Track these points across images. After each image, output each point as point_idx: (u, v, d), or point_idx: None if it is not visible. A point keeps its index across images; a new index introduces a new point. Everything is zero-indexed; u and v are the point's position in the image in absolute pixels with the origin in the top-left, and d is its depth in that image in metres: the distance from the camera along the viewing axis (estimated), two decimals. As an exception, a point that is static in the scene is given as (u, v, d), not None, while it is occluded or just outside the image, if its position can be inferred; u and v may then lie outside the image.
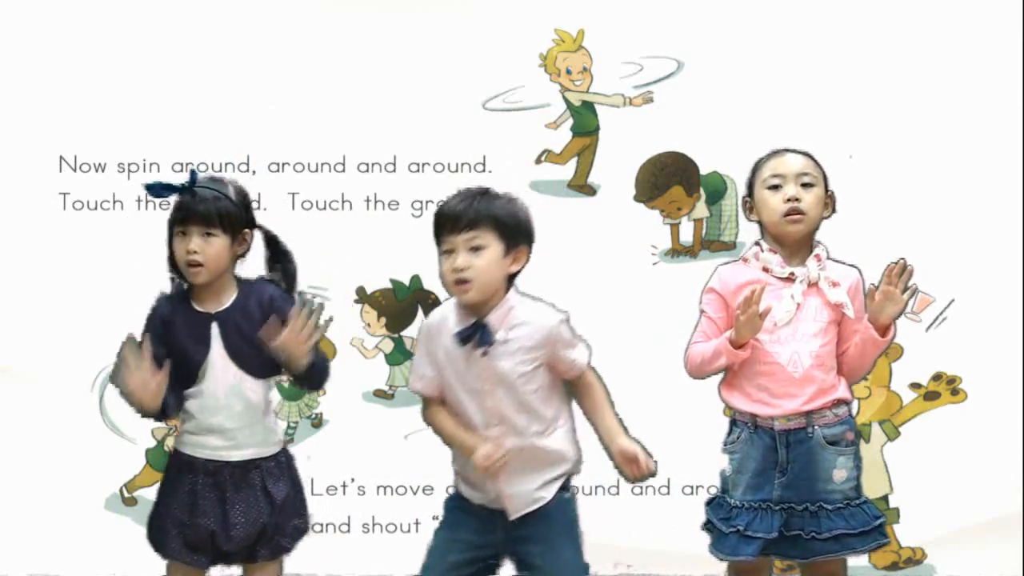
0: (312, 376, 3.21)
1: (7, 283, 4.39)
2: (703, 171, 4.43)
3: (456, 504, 3.18)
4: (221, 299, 3.21)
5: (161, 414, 3.19)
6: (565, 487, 3.12)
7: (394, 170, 4.45)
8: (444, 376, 3.09)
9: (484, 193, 3.07)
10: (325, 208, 4.44)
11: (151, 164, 4.40)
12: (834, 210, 3.36)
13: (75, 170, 4.41)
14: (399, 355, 4.45)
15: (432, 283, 4.44)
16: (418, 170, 4.43)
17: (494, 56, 4.41)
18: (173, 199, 3.22)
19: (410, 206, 4.43)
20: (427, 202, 4.42)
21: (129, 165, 4.41)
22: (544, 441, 3.07)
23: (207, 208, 3.15)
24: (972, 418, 4.35)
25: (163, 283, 3.29)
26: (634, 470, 3.04)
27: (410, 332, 4.44)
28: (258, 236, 3.28)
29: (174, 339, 3.20)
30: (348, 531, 4.41)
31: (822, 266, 3.28)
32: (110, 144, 4.39)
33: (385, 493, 4.43)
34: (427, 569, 3.14)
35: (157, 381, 3.10)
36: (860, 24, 4.39)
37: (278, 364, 3.20)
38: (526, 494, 3.06)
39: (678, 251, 4.45)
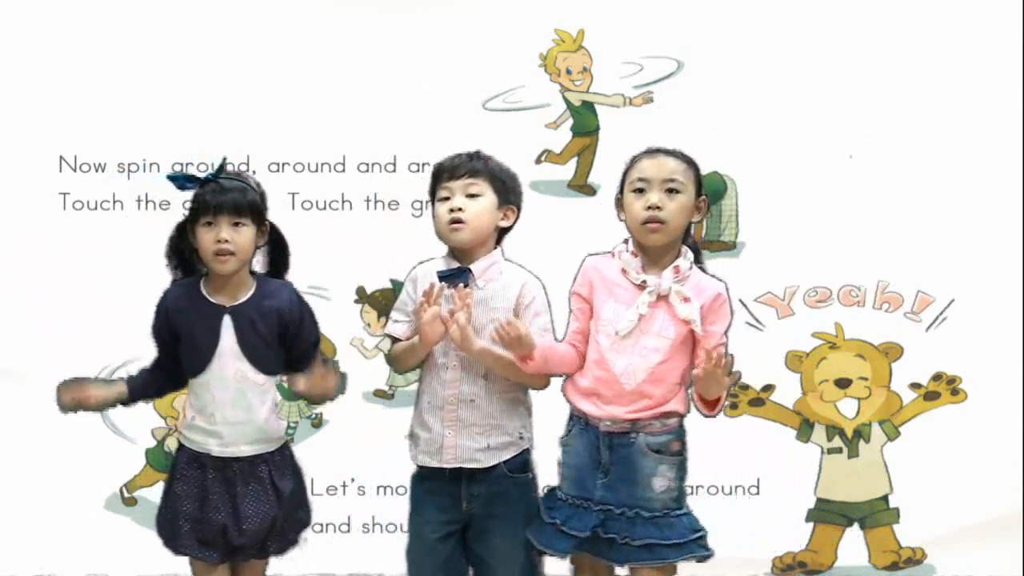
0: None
1: (7, 283, 4.39)
2: (703, 171, 4.42)
3: (418, 485, 3.28)
4: (237, 293, 3.23)
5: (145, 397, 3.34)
6: (525, 468, 3.23)
7: (394, 170, 4.45)
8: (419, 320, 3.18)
9: (479, 153, 3.28)
10: (325, 208, 4.44)
11: (151, 164, 4.40)
12: (706, 214, 3.30)
13: (75, 170, 4.41)
14: (399, 355, 4.45)
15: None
16: (418, 170, 4.43)
17: (494, 56, 4.41)
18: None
19: (410, 206, 4.43)
20: (427, 202, 4.40)
21: (129, 165, 4.41)
22: (496, 400, 3.18)
23: (237, 198, 3.16)
24: (972, 418, 4.35)
25: (161, 282, 3.29)
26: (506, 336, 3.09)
27: (410, 332, 4.44)
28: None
29: (184, 328, 3.23)
30: (348, 531, 4.41)
31: (680, 278, 3.15)
32: (110, 144, 4.39)
33: (385, 493, 4.42)
34: (411, 550, 3.27)
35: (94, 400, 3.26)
36: (860, 24, 4.38)
37: (287, 362, 3.28)
38: (466, 449, 3.17)
39: (678, 251, 4.44)
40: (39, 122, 4.38)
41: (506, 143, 4.37)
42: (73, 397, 3.24)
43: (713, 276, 3.22)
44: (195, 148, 4.37)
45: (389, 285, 4.40)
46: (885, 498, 4.37)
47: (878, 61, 4.38)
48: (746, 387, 4.32)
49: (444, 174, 3.24)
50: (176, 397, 4.31)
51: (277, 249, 3.31)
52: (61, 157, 4.40)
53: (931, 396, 4.37)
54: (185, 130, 4.36)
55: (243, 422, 3.21)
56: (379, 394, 4.44)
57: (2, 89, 4.39)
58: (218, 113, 4.37)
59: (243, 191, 3.18)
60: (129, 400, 3.29)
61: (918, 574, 4.42)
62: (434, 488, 3.22)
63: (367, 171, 4.44)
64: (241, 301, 3.22)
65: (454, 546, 3.22)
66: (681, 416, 3.19)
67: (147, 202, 4.40)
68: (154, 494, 4.38)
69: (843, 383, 4.36)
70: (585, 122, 4.46)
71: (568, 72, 4.44)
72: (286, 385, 4.33)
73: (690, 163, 3.24)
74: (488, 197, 3.21)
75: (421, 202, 4.43)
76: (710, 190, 4.42)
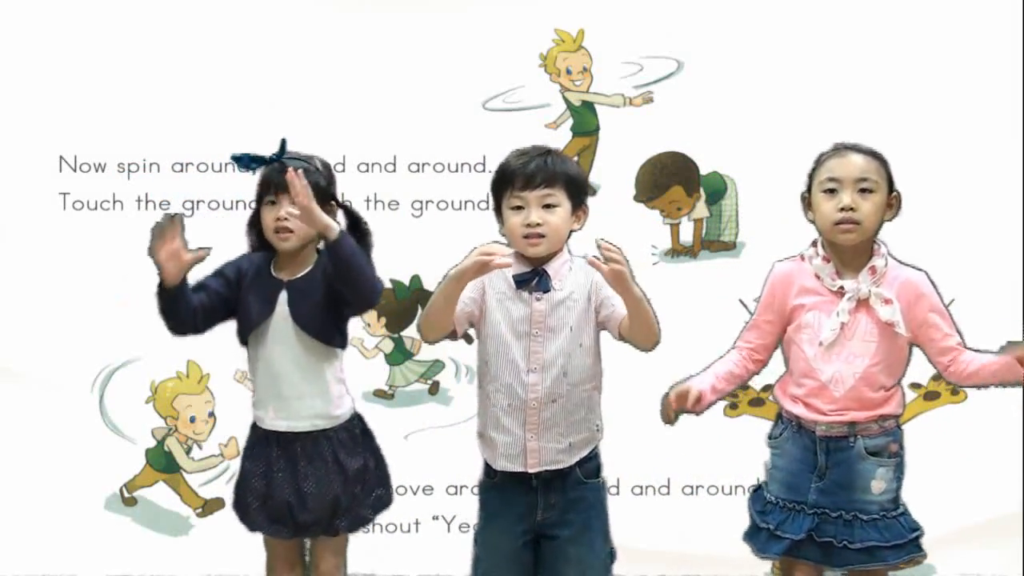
0: (345, 254, 3.14)
1: (7, 283, 4.39)
2: (703, 171, 4.43)
3: (490, 492, 3.19)
4: (298, 270, 3.29)
5: (184, 306, 3.18)
6: (598, 473, 3.15)
7: (394, 170, 4.45)
8: (489, 319, 3.11)
9: (550, 152, 3.13)
10: (325, 208, 4.44)
11: (151, 164, 4.41)
12: (899, 211, 3.22)
13: (75, 170, 4.41)
14: (399, 355, 4.45)
15: (432, 283, 4.45)
16: (418, 170, 4.43)
17: (494, 56, 4.41)
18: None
19: (410, 206, 4.43)
20: (427, 202, 4.42)
21: (129, 165, 4.42)
22: (577, 395, 3.09)
23: None
24: (972, 418, 4.35)
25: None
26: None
27: (410, 332, 4.44)
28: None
29: (242, 292, 3.27)
30: (348, 531, 4.40)
31: (876, 279, 3.16)
32: (110, 144, 4.39)
33: (385, 493, 4.42)
34: (486, 562, 3.16)
35: (186, 257, 3.12)
36: (860, 24, 4.38)
37: (344, 334, 3.31)
38: (549, 451, 3.08)
39: (678, 251, 4.45)
40: (39, 122, 4.39)
41: (506, 143, 4.40)
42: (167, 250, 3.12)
43: (910, 266, 3.23)
44: (195, 148, 4.37)
45: (389, 285, 4.40)
46: (885, 498, 4.37)
47: (878, 61, 4.38)
48: (746, 387, 4.30)
49: (517, 181, 3.07)
50: (176, 397, 4.34)
51: (355, 231, 3.31)
52: (61, 157, 4.41)
53: (931, 396, 4.37)
54: (185, 130, 4.37)
55: (295, 397, 3.26)
56: (379, 394, 4.44)
57: (2, 89, 4.40)
58: (218, 113, 4.37)
59: (304, 172, 3.16)
60: (178, 285, 3.15)
61: (918, 574, 4.41)
62: (511, 496, 3.11)
63: (367, 171, 4.44)
64: (299, 276, 3.28)
65: (530, 556, 3.12)
66: (897, 417, 3.18)
67: (147, 202, 4.40)
68: (154, 494, 4.41)
69: (843, 383, 4.34)
70: (585, 122, 4.46)
71: (568, 72, 4.44)
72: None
73: (881, 159, 3.19)
74: (564, 206, 3.09)
75: (421, 202, 4.44)
76: (710, 190, 4.45)
